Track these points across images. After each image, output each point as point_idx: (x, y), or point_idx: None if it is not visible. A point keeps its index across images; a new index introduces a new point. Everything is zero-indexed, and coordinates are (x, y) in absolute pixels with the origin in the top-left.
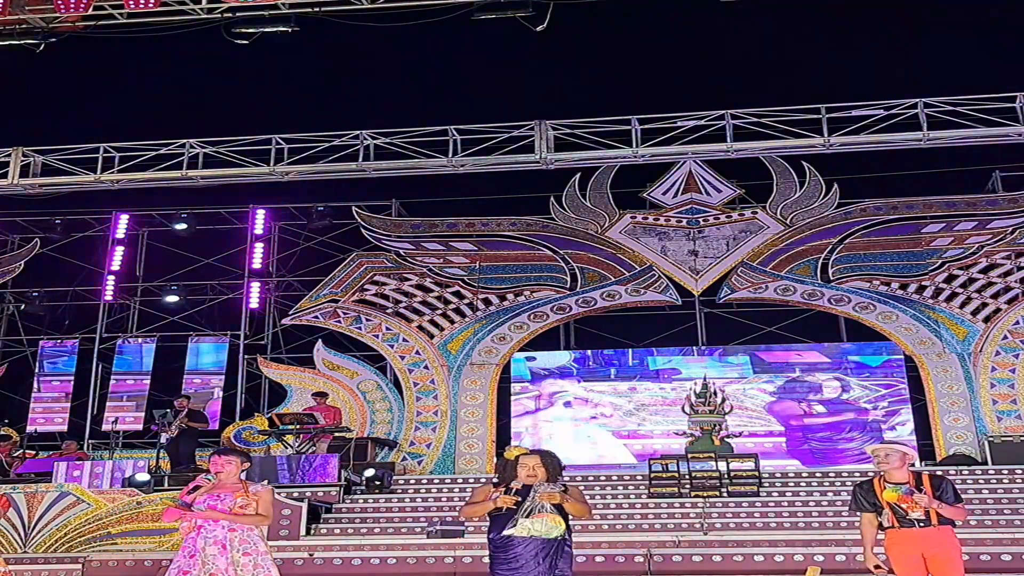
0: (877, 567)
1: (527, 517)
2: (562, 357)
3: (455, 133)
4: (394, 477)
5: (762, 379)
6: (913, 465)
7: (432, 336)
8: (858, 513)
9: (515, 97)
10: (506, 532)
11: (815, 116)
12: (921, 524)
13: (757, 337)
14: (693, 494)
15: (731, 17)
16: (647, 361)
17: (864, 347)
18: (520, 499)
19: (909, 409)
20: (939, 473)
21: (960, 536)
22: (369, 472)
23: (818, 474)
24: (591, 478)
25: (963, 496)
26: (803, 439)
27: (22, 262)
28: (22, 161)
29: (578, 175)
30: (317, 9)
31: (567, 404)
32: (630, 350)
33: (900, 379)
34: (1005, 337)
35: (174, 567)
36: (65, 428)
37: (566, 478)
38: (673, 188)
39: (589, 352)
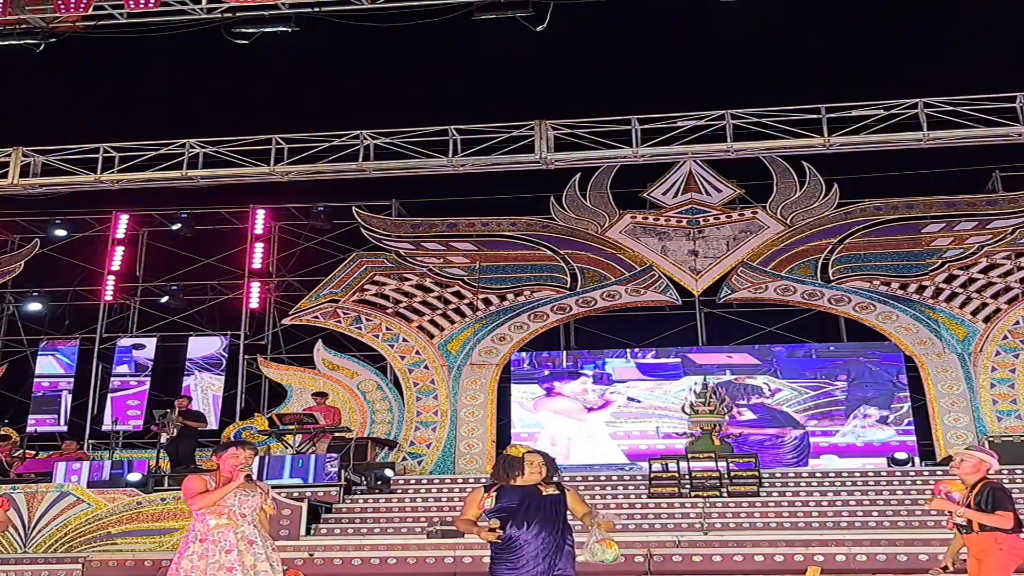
0: (945, 568)
1: (596, 543)
2: None
3: (455, 133)
4: (394, 477)
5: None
6: (990, 471)
7: (432, 336)
8: None
9: (515, 97)
10: (580, 558)
11: (815, 116)
12: (964, 531)
13: (757, 337)
14: (693, 494)
15: (731, 17)
16: (598, 363)
17: (795, 348)
18: (501, 529)
19: (844, 412)
20: (991, 480)
21: None
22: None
23: (818, 474)
24: (591, 478)
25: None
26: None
27: (22, 262)
28: (22, 161)
29: (578, 175)
30: (317, 9)
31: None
32: (563, 352)
33: (828, 382)
34: (1005, 337)
35: (209, 564)
36: (65, 428)
37: (566, 477)
38: (673, 188)
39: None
